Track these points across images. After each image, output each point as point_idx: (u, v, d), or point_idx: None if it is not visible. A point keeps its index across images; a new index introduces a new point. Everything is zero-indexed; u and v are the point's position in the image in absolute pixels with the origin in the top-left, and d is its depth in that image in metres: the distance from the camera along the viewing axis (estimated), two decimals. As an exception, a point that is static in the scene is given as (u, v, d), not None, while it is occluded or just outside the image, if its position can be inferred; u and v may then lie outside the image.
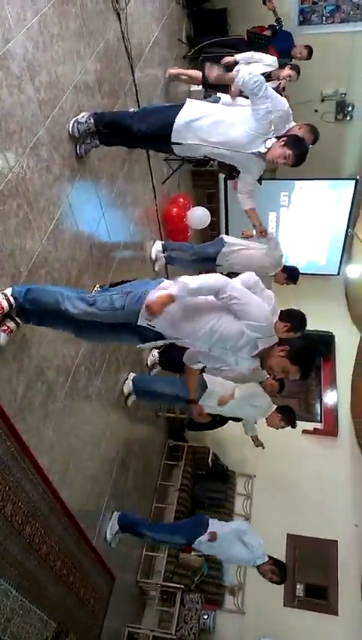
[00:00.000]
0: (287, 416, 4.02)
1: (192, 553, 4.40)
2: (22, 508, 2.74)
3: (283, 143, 3.12)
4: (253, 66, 4.62)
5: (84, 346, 3.43)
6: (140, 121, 3.19)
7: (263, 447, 4.79)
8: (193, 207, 5.52)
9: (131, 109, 3.82)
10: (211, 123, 3.09)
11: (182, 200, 5.52)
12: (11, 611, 2.70)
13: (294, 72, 4.82)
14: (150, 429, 5.50)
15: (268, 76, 4.66)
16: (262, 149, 3.15)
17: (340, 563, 5.65)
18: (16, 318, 2.48)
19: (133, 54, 3.97)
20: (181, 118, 3.08)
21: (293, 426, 4.05)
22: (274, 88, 4.89)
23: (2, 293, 2.39)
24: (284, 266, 4.40)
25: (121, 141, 3.43)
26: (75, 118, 3.01)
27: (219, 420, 5.80)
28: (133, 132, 3.18)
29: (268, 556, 4.00)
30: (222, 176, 6.36)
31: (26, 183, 2.58)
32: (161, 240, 5.17)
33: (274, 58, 4.77)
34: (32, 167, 2.63)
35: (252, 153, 3.17)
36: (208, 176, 6.61)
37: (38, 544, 2.96)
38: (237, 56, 4.73)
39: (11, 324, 2.46)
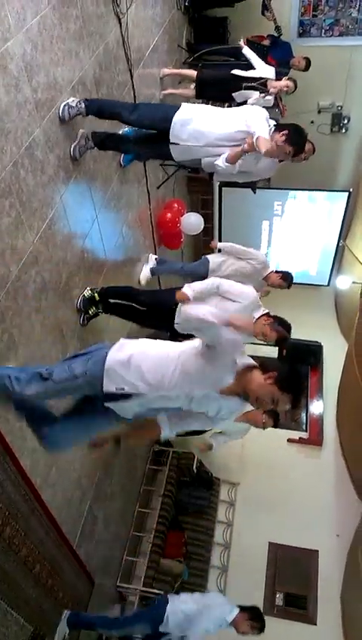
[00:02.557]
0: (270, 412, 3.70)
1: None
2: (2, 509, 2.72)
3: (284, 137, 3.07)
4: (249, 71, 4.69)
5: (71, 349, 3.42)
6: (132, 112, 3.19)
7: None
8: (187, 212, 5.53)
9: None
10: (209, 121, 3.09)
11: (176, 205, 5.53)
12: (-12, 614, 2.67)
13: (292, 84, 4.86)
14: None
15: (263, 84, 4.71)
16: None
17: (320, 573, 5.66)
18: None
19: (132, 58, 3.99)
20: (180, 118, 3.09)
21: (277, 422, 3.76)
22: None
23: None
24: (276, 270, 4.43)
25: (116, 145, 3.43)
26: (65, 102, 2.95)
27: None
28: (123, 121, 3.19)
29: (239, 606, 3.58)
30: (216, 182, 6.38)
31: (19, 183, 2.57)
32: (155, 253, 5.17)
33: (273, 70, 4.80)
34: (26, 167, 2.62)
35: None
36: (203, 183, 6.63)
37: (18, 546, 2.94)
38: (245, 50, 4.82)
39: None
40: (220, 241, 6.25)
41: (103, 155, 3.66)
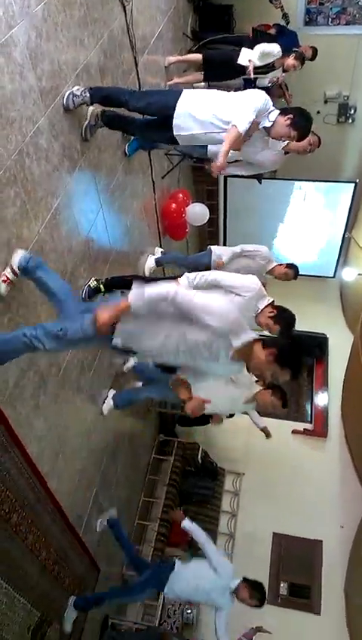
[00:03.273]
0: (278, 392, 3.75)
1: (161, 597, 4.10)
2: (9, 496, 2.74)
3: (289, 122, 3.07)
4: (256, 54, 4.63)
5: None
6: (137, 99, 3.19)
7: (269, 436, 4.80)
8: (192, 203, 5.52)
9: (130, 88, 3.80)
10: (212, 107, 3.06)
11: (181, 195, 5.51)
12: (-5, 599, 2.71)
13: (298, 62, 4.78)
14: (141, 423, 5.51)
15: (271, 66, 4.67)
16: (267, 123, 3.11)
17: (325, 563, 5.69)
18: (17, 271, 2.46)
19: (137, 46, 3.96)
20: (182, 105, 3.06)
21: (286, 404, 3.77)
22: (272, 84, 4.91)
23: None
24: (280, 263, 4.40)
25: (123, 125, 3.42)
26: (70, 90, 2.94)
27: (210, 417, 5.83)
28: (129, 108, 3.18)
29: (244, 578, 3.72)
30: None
31: (24, 172, 2.57)
32: (160, 244, 5.16)
33: (279, 48, 4.74)
34: (31, 156, 2.62)
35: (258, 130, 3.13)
36: (209, 173, 6.59)
37: (25, 533, 2.97)
38: (246, 53, 4.75)
39: (10, 275, 2.45)
40: (225, 233, 6.24)
41: (108, 144, 3.65)
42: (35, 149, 2.65)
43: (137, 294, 2.19)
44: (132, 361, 4.46)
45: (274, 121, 3.10)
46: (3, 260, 2.48)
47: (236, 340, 2.21)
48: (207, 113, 3.05)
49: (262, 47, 4.70)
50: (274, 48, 4.71)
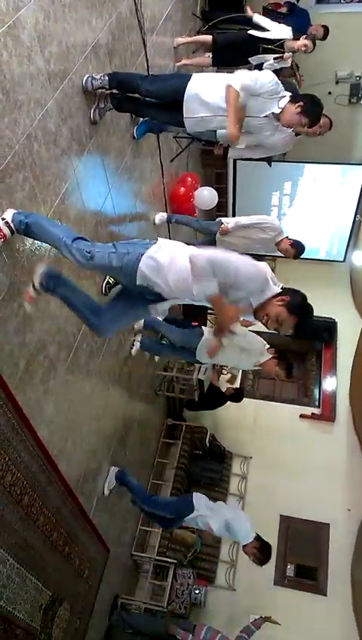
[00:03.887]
0: (284, 363, 3.93)
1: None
2: (21, 479, 2.79)
3: (299, 109, 3.04)
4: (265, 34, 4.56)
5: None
6: (150, 83, 3.19)
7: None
8: (201, 187, 5.47)
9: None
10: (221, 90, 3.02)
11: (190, 179, 5.47)
12: (7, 578, 2.76)
13: (310, 42, 4.70)
14: (149, 408, 5.55)
15: (281, 46, 4.58)
16: (276, 110, 3.09)
17: (331, 545, 5.74)
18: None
19: (145, 27, 3.90)
20: (191, 89, 3.04)
21: (289, 374, 3.99)
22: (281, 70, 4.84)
23: (2, 218, 2.35)
24: (288, 237, 4.40)
25: (133, 107, 3.40)
26: (90, 74, 3.02)
27: (217, 400, 5.88)
28: (141, 92, 3.18)
29: (257, 536, 3.98)
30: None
31: (32, 156, 2.56)
32: (168, 230, 5.17)
33: (289, 29, 4.65)
34: (39, 140, 2.60)
35: (266, 117, 3.12)
36: (217, 156, 6.53)
37: (36, 514, 3.02)
38: (256, 17, 4.69)
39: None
40: (234, 214, 6.22)
41: (116, 127, 3.62)
42: (43, 133, 2.63)
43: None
44: (137, 345, 4.52)
45: (283, 108, 3.06)
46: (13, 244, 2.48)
47: (255, 299, 2.31)
48: (216, 96, 3.02)
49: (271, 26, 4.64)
50: (286, 34, 4.63)
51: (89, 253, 2.38)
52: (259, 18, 4.73)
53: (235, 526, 3.99)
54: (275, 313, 2.31)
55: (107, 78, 3.08)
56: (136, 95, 3.29)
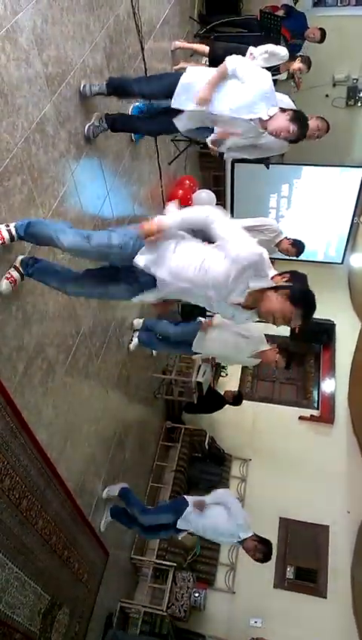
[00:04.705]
0: (284, 352, 3.89)
1: (180, 535, 4.29)
2: (19, 482, 2.78)
3: (289, 116, 3.00)
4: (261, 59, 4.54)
5: (84, 326, 3.45)
6: (143, 85, 3.23)
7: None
8: (199, 189, 5.48)
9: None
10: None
11: (188, 182, 5.47)
12: (6, 582, 2.76)
13: (304, 66, 4.72)
14: (148, 410, 5.54)
15: (276, 69, 4.59)
16: (264, 116, 3.00)
17: (331, 548, 5.74)
18: (21, 269, 2.51)
19: (143, 31, 3.91)
20: (183, 80, 3.05)
21: (289, 364, 3.92)
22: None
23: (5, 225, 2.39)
24: (288, 237, 4.40)
25: (126, 125, 3.45)
26: (88, 83, 3.06)
27: (216, 404, 5.88)
28: (135, 93, 3.22)
29: (254, 533, 3.86)
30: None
31: (31, 160, 2.56)
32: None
33: (286, 52, 4.64)
34: (37, 143, 2.61)
35: (251, 120, 3.03)
36: (215, 158, 6.54)
37: (35, 518, 3.01)
38: (251, 49, 4.64)
39: (15, 274, 2.48)
40: (232, 216, 6.19)
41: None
42: (41, 136, 2.64)
43: (174, 216, 2.24)
44: (135, 341, 4.54)
45: (272, 115, 3.01)
46: (12, 250, 2.48)
47: (255, 280, 2.20)
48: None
49: (270, 47, 4.61)
50: (281, 51, 4.60)
51: (86, 234, 2.38)
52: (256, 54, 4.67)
53: (234, 510, 3.91)
54: (278, 308, 2.20)
55: (104, 84, 3.12)
56: (128, 113, 3.32)
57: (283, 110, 3.04)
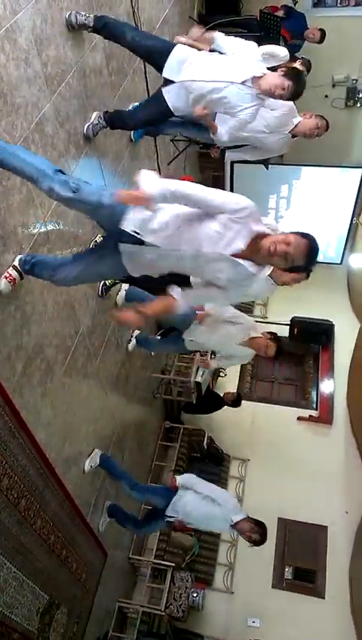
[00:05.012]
0: (276, 339, 3.81)
1: (169, 521, 4.10)
2: (18, 482, 2.78)
3: (282, 72, 2.94)
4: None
5: (83, 326, 3.44)
6: (138, 34, 3.12)
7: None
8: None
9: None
10: (205, 61, 2.99)
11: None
12: (4, 582, 2.76)
13: (304, 69, 4.71)
14: (147, 410, 5.55)
15: (275, 70, 4.58)
16: (257, 73, 2.94)
17: (329, 548, 5.74)
18: (19, 268, 2.50)
19: (142, 30, 3.90)
20: (176, 53, 2.98)
21: (279, 353, 3.82)
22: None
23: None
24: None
25: (123, 122, 3.40)
26: (75, 10, 2.85)
27: (215, 404, 5.88)
28: (126, 40, 3.04)
29: (248, 515, 3.76)
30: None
31: (30, 159, 2.55)
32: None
33: (286, 52, 4.64)
34: (37, 143, 2.61)
35: (244, 82, 2.95)
36: (215, 159, 6.54)
37: (33, 518, 3.01)
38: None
39: (14, 273, 2.48)
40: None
41: (114, 130, 3.62)
42: (40, 136, 2.64)
43: (154, 182, 2.10)
44: (133, 341, 4.55)
45: (265, 73, 2.95)
46: (10, 249, 2.48)
47: (256, 225, 2.15)
48: (201, 66, 2.97)
49: (269, 47, 4.60)
50: (281, 52, 4.59)
51: (75, 184, 2.16)
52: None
53: (221, 499, 3.85)
54: (282, 256, 2.13)
55: (92, 16, 2.90)
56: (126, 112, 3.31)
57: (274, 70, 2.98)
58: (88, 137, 3.18)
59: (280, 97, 2.98)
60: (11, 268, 2.49)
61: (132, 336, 4.55)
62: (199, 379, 5.29)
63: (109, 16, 3.09)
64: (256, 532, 3.66)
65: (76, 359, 3.40)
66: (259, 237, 2.16)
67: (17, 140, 2.42)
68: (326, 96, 6.95)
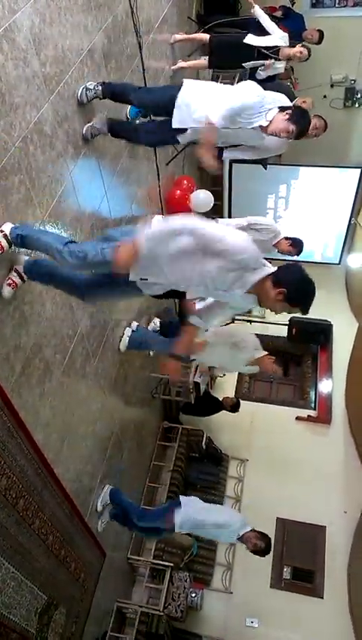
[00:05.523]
0: (280, 362, 3.92)
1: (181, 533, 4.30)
2: (16, 482, 2.78)
3: (287, 116, 3.01)
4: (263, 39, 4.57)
5: (81, 326, 3.44)
6: (142, 93, 3.26)
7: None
8: (197, 189, 5.48)
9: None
10: (212, 102, 3.02)
11: (185, 182, 5.47)
12: (3, 582, 2.75)
13: (305, 49, 4.70)
14: (145, 411, 5.54)
15: (276, 52, 4.60)
16: (264, 122, 3.04)
17: (328, 548, 5.75)
18: (23, 275, 2.53)
19: (141, 31, 3.91)
20: (182, 98, 3.06)
21: (286, 373, 3.95)
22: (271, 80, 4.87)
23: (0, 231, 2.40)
24: (287, 236, 4.41)
25: (126, 133, 3.48)
26: (83, 85, 3.03)
27: (213, 407, 5.88)
28: (133, 102, 3.27)
29: (253, 529, 3.90)
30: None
31: (28, 159, 2.56)
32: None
33: (286, 35, 4.67)
34: (35, 143, 2.60)
35: (253, 128, 3.08)
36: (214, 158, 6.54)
37: (31, 518, 3.01)
38: (256, 10, 4.67)
39: (17, 279, 2.50)
40: (230, 217, 6.24)
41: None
42: (39, 136, 2.63)
43: (150, 232, 2.21)
44: (126, 338, 4.47)
45: (271, 120, 3.04)
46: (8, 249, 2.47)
47: (252, 275, 2.19)
48: (204, 109, 3.03)
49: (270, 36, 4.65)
50: (279, 40, 4.63)
51: (81, 252, 2.37)
52: (259, 12, 4.70)
53: (228, 518, 3.97)
54: (280, 309, 2.25)
55: (100, 88, 3.10)
56: (129, 121, 3.40)
57: (281, 109, 3.05)
58: (86, 139, 3.19)
59: (286, 139, 3.13)
60: (14, 272, 2.51)
61: (124, 334, 4.42)
62: (198, 379, 5.29)
63: (115, 83, 3.27)
64: (260, 540, 3.84)
65: (75, 359, 3.40)
66: (258, 283, 2.23)
67: (16, 140, 2.42)
68: (325, 96, 6.96)
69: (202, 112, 3.03)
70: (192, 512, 4.02)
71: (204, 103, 3.05)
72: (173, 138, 3.25)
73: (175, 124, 3.12)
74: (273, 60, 4.60)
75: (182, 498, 4.17)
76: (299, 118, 3.05)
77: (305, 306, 2.25)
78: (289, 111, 3.04)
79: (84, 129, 3.14)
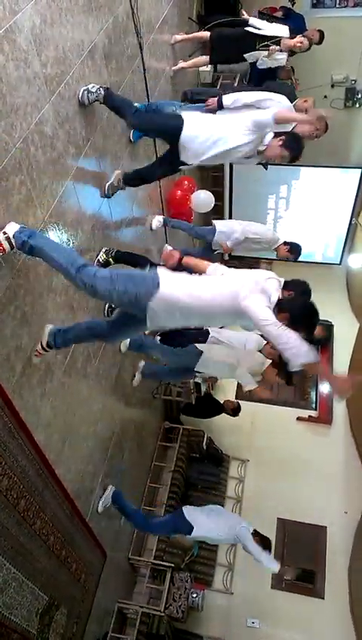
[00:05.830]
0: (282, 372, 3.89)
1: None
2: (17, 483, 2.78)
3: (281, 142, 3.24)
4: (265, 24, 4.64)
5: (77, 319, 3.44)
6: (138, 119, 3.36)
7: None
8: (197, 190, 5.48)
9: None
10: (213, 142, 3.23)
11: (186, 182, 5.48)
12: (4, 582, 2.75)
13: (305, 39, 4.71)
14: (146, 411, 5.54)
15: (277, 43, 4.61)
16: (261, 147, 3.30)
17: (329, 548, 5.74)
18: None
19: (142, 32, 3.91)
20: (185, 137, 3.23)
21: (289, 382, 3.97)
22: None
23: (3, 232, 2.35)
24: (285, 241, 4.45)
25: (140, 180, 3.76)
26: (85, 87, 3.02)
27: (213, 410, 5.87)
28: (130, 123, 3.42)
29: (254, 531, 4.21)
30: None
31: (29, 160, 2.56)
32: (165, 235, 5.19)
33: (286, 28, 4.69)
34: (36, 144, 2.60)
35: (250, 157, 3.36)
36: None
37: (32, 518, 3.01)
38: (252, 20, 4.71)
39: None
40: (230, 217, 6.26)
41: (113, 130, 3.62)
42: (40, 137, 2.63)
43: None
44: (138, 376, 4.77)
45: (268, 145, 3.28)
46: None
47: None
48: (210, 146, 3.25)
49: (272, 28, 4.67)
50: (282, 32, 4.65)
51: (92, 287, 2.42)
52: (254, 21, 4.74)
53: (229, 534, 4.26)
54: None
55: (103, 92, 3.10)
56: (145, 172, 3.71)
57: (276, 135, 3.26)
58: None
59: (280, 162, 3.43)
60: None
61: (137, 372, 4.75)
62: (198, 379, 5.29)
63: (115, 97, 3.28)
64: (261, 537, 4.21)
65: (76, 360, 3.40)
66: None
67: (16, 141, 2.42)
68: (326, 96, 6.95)
69: (207, 141, 3.24)
70: (205, 532, 4.28)
71: (206, 140, 3.24)
72: (176, 170, 3.64)
73: (183, 158, 3.36)
74: (276, 46, 4.62)
75: (186, 514, 4.35)
76: (292, 143, 3.27)
77: (309, 331, 2.56)
78: (284, 137, 3.27)
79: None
